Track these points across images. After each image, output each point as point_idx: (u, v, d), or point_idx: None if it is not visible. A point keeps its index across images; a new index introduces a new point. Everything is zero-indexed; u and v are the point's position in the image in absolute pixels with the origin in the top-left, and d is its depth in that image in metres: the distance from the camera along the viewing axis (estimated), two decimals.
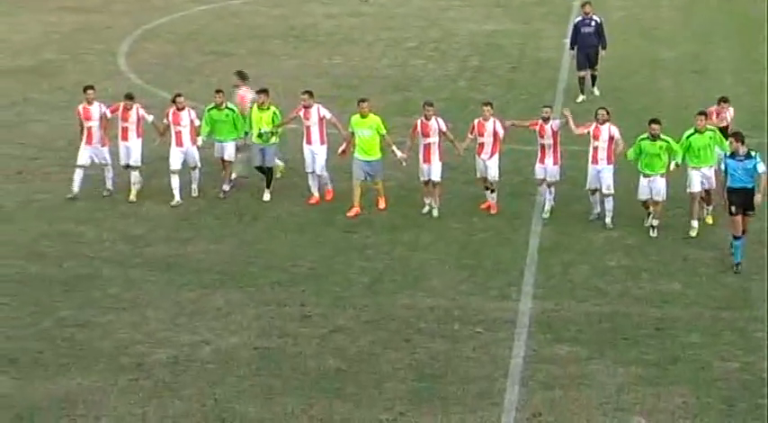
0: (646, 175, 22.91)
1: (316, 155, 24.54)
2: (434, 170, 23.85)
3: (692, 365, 18.76)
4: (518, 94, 32.88)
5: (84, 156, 25.02)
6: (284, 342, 19.67)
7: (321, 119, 24.43)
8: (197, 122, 25.08)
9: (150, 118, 25.17)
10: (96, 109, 24.97)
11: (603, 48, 31.36)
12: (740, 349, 19.15)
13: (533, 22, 40.95)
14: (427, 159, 23.87)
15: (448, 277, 21.76)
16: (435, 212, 24.02)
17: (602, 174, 23.28)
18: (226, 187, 25.17)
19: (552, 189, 23.95)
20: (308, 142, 24.60)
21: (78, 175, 24.96)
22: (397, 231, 23.72)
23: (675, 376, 18.47)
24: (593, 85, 31.75)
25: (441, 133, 23.89)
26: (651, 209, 23.12)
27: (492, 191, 24.16)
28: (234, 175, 25.61)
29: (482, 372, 18.68)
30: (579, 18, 31.68)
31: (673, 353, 19.17)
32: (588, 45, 31.22)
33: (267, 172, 24.99)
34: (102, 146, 25.05)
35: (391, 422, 17.37)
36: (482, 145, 23.92)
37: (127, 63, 36.57)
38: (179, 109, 24.89)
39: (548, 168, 23.75)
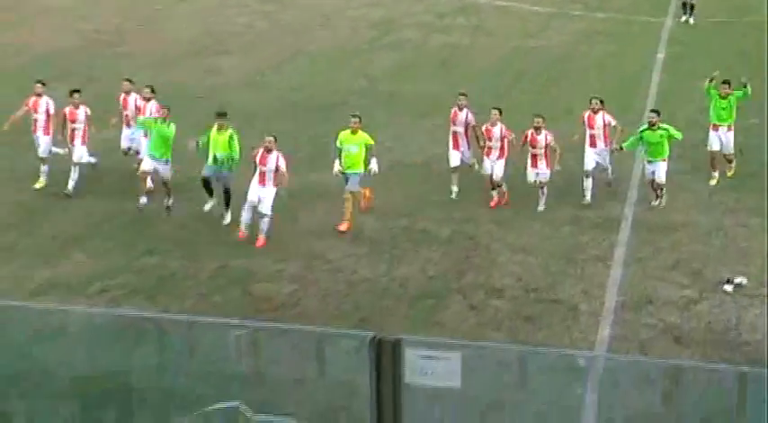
0: (649, 162, 21.39)
1: (263, 198, 20.29)
2: (461, 157, 22.21)
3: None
4: None
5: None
6: None
7: (278, 167, 20.24)
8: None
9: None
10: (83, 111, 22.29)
11: None
12: None
13: None
14: (456, 146, 22.17)
15: None
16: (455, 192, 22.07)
17: (600, 156, 21.90)
18: (169, 202, 21.68)
19: (545, 189, 21.65)
20: (261, 183, 20.39)
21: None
22: None
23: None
24: (690, 14, 33.00)
25: (467, 124, 22.12)
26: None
27: (495, 188, 21.92)
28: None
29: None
30: None
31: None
32: None
33: (226, 193, 21.12)
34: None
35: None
36: (490, 149, 21.87)
37: None
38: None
39: (540, 172, 21.59)
